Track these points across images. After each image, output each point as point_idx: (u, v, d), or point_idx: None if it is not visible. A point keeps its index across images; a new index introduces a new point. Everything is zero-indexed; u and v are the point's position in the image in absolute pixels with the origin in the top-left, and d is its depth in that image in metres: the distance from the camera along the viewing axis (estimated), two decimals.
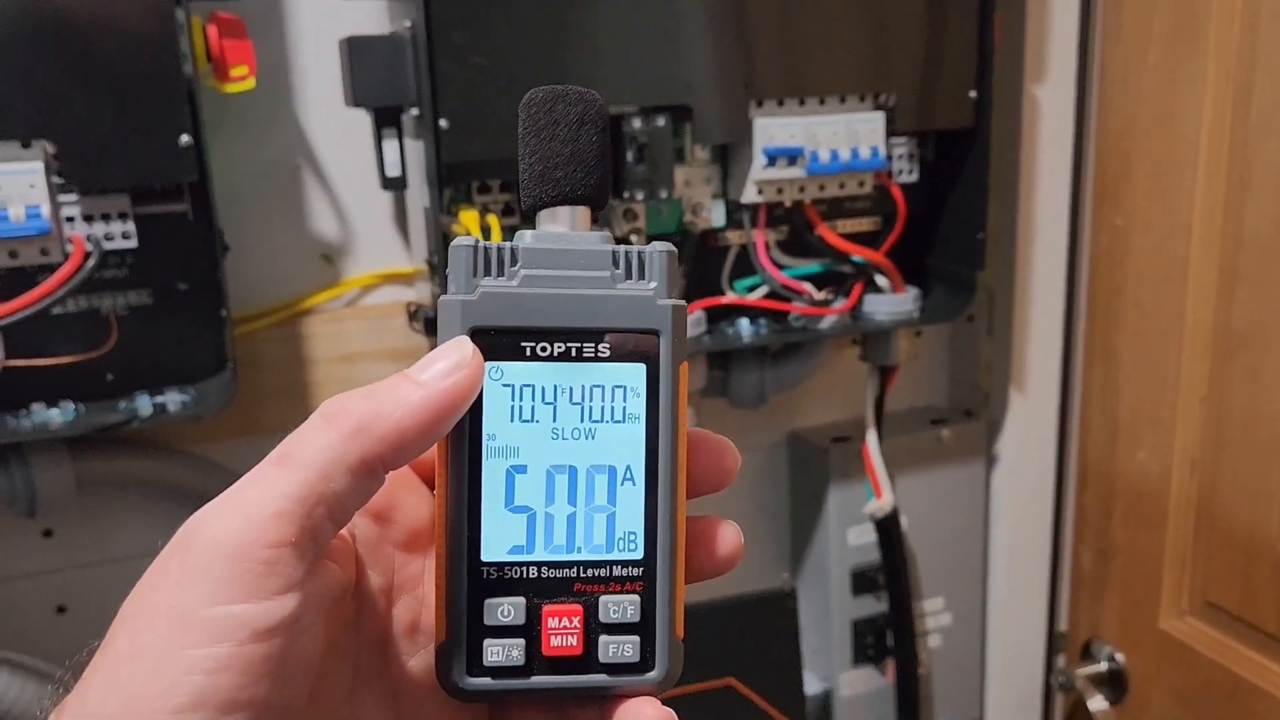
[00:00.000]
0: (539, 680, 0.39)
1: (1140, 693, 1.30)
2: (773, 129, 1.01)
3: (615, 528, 0.39)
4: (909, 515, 1.27)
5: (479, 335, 0.38)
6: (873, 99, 1.07)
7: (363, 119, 1.00)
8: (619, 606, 0.39)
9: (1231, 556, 1.14)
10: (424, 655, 0.41)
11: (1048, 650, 1.41)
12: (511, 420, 0.39)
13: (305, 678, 0.36)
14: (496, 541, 0.39)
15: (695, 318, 1.07)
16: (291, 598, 0.34)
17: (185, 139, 0.86)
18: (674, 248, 0.40)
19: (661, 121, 1.00)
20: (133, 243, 0.90)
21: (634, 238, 1.02)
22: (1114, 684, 1.33)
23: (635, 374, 0.39)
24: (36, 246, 0.85)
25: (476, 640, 0.39)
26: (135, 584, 0.35)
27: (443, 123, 0.91)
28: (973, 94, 1.09)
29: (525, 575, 0.39)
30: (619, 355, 0.39)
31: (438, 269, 0.98)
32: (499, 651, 0.39)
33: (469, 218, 0.95)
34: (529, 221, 0.41)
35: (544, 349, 0.39)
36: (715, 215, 1.07)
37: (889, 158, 1.09)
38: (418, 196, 0.98)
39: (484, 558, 0.39)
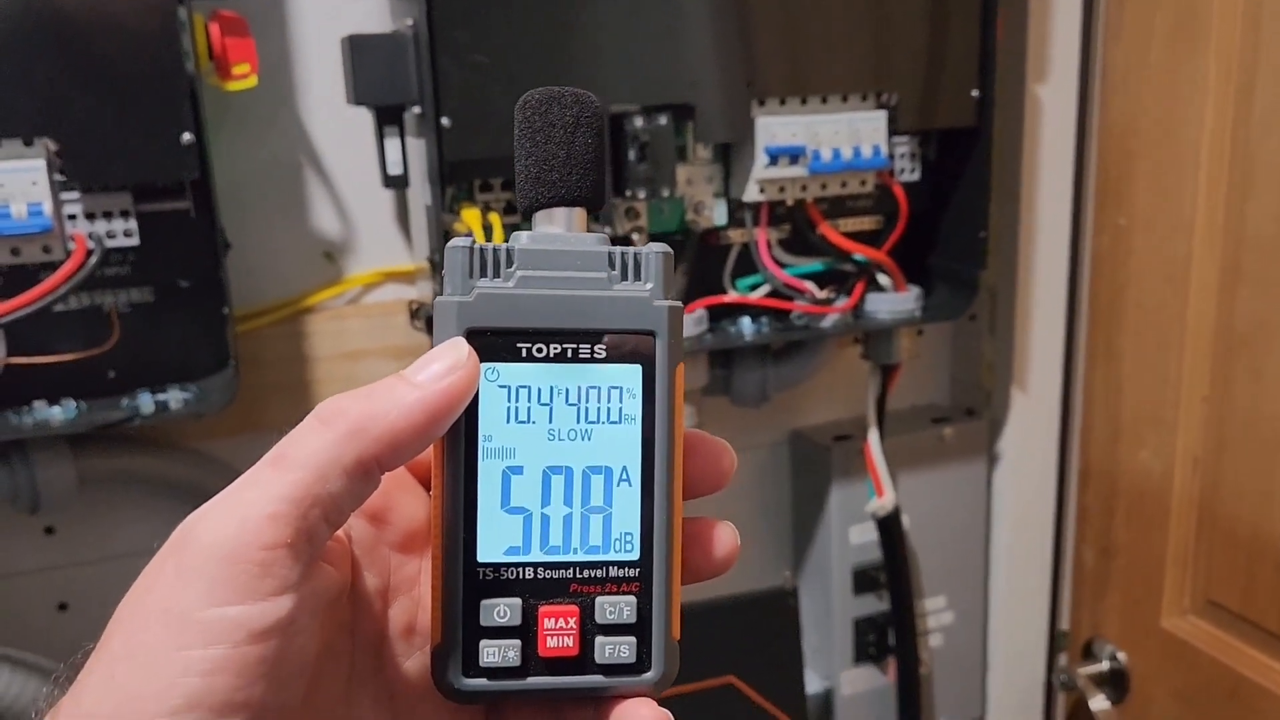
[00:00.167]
0: (535, 681, 0.39)
1: (1142, 692, 1.30)
2: (775, 128, 1.01)
3: (611, 529, 0.39)
4: (910, 514, 1.27)
5: (475, 336, 0.38)
6: (875, 98, 1.07)
7: (364, 117, 1.00)
8: (615, 607, 0.39)
9: (1233, 555, 1.14)
10: (420, 656, 0.41)
11: (1049, 649, 1.41)
12: (507, 421, 0.39)
13: (301, 679, 0.36)
14: (492, 542, 0.39)
15: (697, 316, 1.07)
16: (287, 599, 0.34)
17: (187, 137, 0.86)
18: (670, 249, 0.40)
19: (663, 120, 0.99)
20: (134, 240, 0.90)
21: (636, 236, 1.02)
22: (1115, 683, 1.33)
23: (631, 375, 0.39)
24: (38, 244, 0.85)
25: (472, 641, 0.39)
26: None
27: (444, 121, 0.91)
28: (975, 93, 1.09)
29: (521, 576, 0.39)
30: (615, 356, 0.39)
31: (439, 267, 0.98)
32: (495, 652, 0.39)
33: (471, 216, 0.95)
34: (526, 222, 0.41)
35: (540, 350, 0.39)
36: (717, 214, 1.07)
37: (891, 156, 1.08)
38: (419, 194, 0.98)
39: (480, 559, 0.39)
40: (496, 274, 0.39)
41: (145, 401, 0.95)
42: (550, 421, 0.39)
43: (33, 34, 0.82)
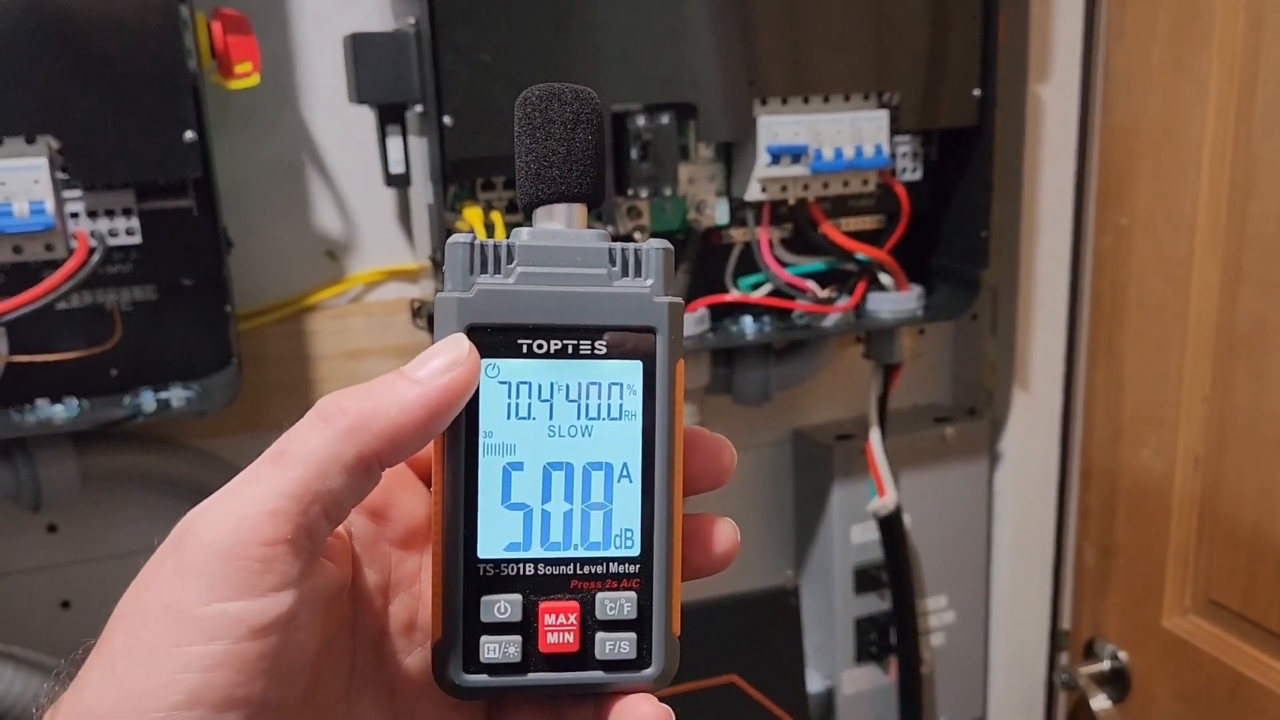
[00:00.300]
0: (535, 677, 0.39)
1: (1143, 691, 1.30)
2: (777, 127, 1.01)
3: (612, 525, 0.40)
4: (912, 513, 1.27)
5: (475, 333, 0.38)
6: (877, 97, 1.07)
7: (367, 115, 1.01)
8: (615, 604, 0.39)
9: (1234, 555, 1.14)
10: (420, 653, 0.41)
11: (1050, 648, 1.41)
12: (508, 417, 0.39)
13: (301, 675, 0.36)
14: (493, 539, 0.39)
15: (699, 315, 1.07)
16: (287, 595, 0.34)
17: (189, 135, 0.86)
18: (670, 245, 0.40)
19: (666, 119, 1.00)
20: (137, 238, 0.90)
21: (638, 235, 1.03)
22: (1117, 682, 1.32)
23: (632, 371, 0.39)
24: (41, 242, 0.86)
25: (473, 637, 0.39)
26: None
27: (447, 119, 0.91)
28: (977, 92, 1.09)
29: (522, 572, 0.39)
30: (615, 353, 0.39)
31: (441, 266, 0.97)
32: (495, 648, 0.39)
33: (473, 214, 0.95)
34: (527, 220, 0.41)
35: (540, 346, 0.39)
36: (719, 213, 1.07)
37: (893, 156, 1.09)
38: (421, 193, 0.98)
39: (480, 555, 0.39)
40: (497, 270, 0.39)
41: (147, 399, 0.95)
42: (551, 418, 0.39)
43: (35, 32, 0.82)
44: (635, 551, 0.40)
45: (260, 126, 1.02)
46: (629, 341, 0.39)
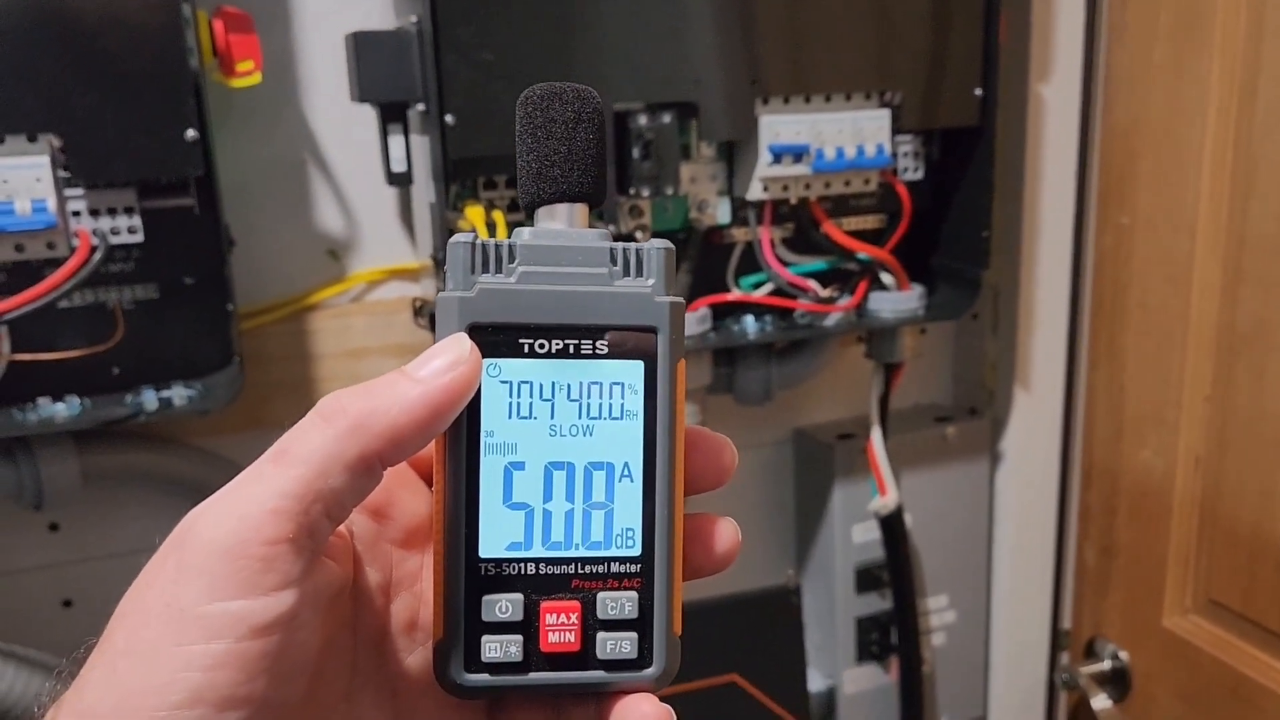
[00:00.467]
0: (537, 676, 0.39)
1: (1144, 691, 1.30)
2: (778, 126, 1.01)
3: (613, 524, 0.40)
4: (913, 513, 1.27)
5: (477, 332, 0.38)
6: (878, 97, 1.07)
7: (369, 114, 1.01)
8: (617, 603, 0.39)
9: (1235, 554, 1.14)
10: (422, 652, 0.41)
11: (1051, 648, 1.41)
12: (509, 417, 0.39)
13: (302, 674, 0.36)
14: (494, 538, 0.39)
15: (701, 314, 1.07)
16: (289, 594, 0.34)
17: (191, 133, 0.86)
18: (671, 245, 0.40)
19: (667, 118, 1.00)
20: (139, 237, 0.90)
21: (640, 234, 1.02)
22: (1117, 682, 1.32)
23: (633, 371, 0.39)
24: (43, 240, 0.86)
25: (474, 637, 0.39)
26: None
27: (449, 118, 0.91)
28: (978, 92, 1.09)
29: (523, 572, 0.39)
30: (617, 352, 0.39)
31: (443, 265, 0.97)
32: (497, 648, 0.39)
33: (475, 213, 0.95)
34: (529, 219, 0.41)
35: (542, 346, 0.39)
36: (721, 212, 1.07)
37: (894, 155, 1.09)
38: (423, 192, 0.98)
39: (482, 554, 0.39)
40: (498, 269, 0.39)
41: (149, 398, 0.95)
42: (552, 417, 0.39)
43: (37, 30, 0.82)
44: (636, 551, 0.40)
45: (262, 125, 1.02)
46: (630, 341, 0.39)
